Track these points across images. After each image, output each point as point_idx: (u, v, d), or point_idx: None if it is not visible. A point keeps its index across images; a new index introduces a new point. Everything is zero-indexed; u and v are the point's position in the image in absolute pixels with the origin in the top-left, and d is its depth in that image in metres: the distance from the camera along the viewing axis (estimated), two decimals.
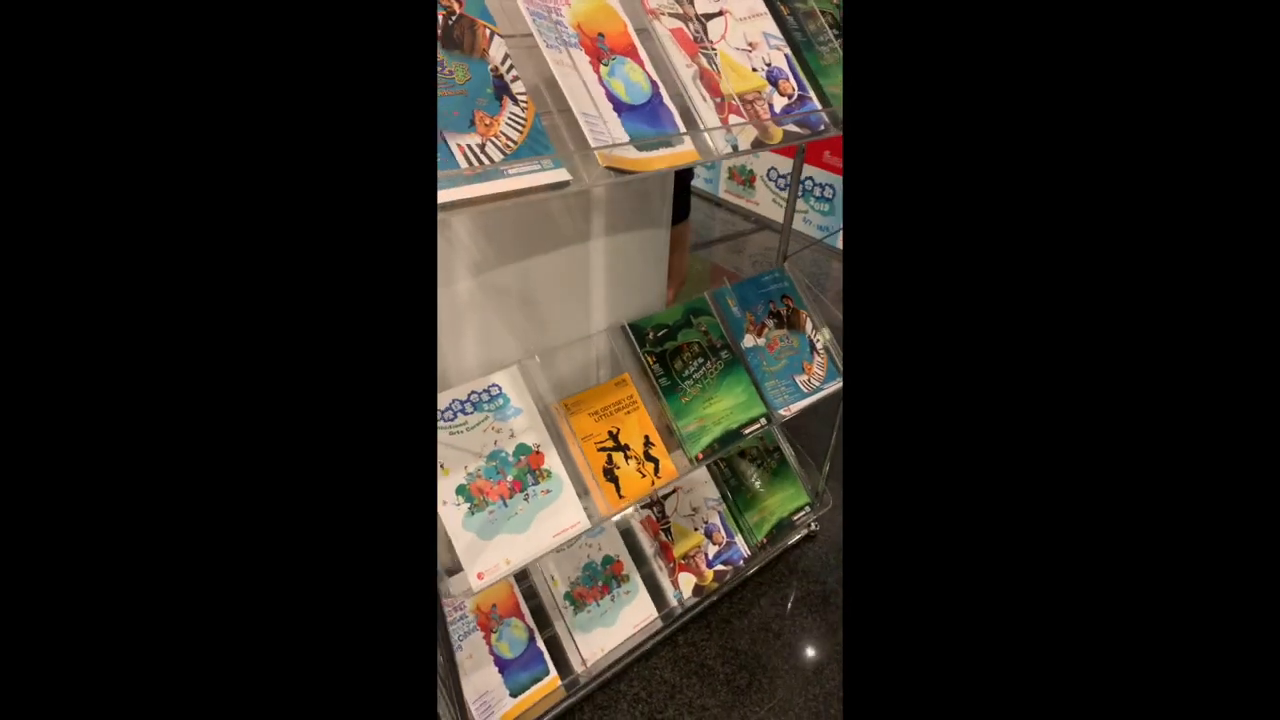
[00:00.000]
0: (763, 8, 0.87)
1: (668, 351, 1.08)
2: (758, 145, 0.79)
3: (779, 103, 0.82)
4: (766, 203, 3.07)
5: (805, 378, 1.18)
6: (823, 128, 0.84)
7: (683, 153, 0.73)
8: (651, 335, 1.08)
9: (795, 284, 1.25)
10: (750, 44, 0.84)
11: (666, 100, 0.74)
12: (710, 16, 0.82)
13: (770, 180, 3.02)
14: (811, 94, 0.85)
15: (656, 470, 0.99)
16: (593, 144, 0.63)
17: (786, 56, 0.85)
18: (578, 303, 1.03)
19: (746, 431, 1.08)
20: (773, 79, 0.83)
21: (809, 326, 1.23)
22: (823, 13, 0.92)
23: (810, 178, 2.85)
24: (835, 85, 0.88)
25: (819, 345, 1.22)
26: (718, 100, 0.77)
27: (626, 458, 0.98)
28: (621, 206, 1.00)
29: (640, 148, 0.69)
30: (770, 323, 1.20)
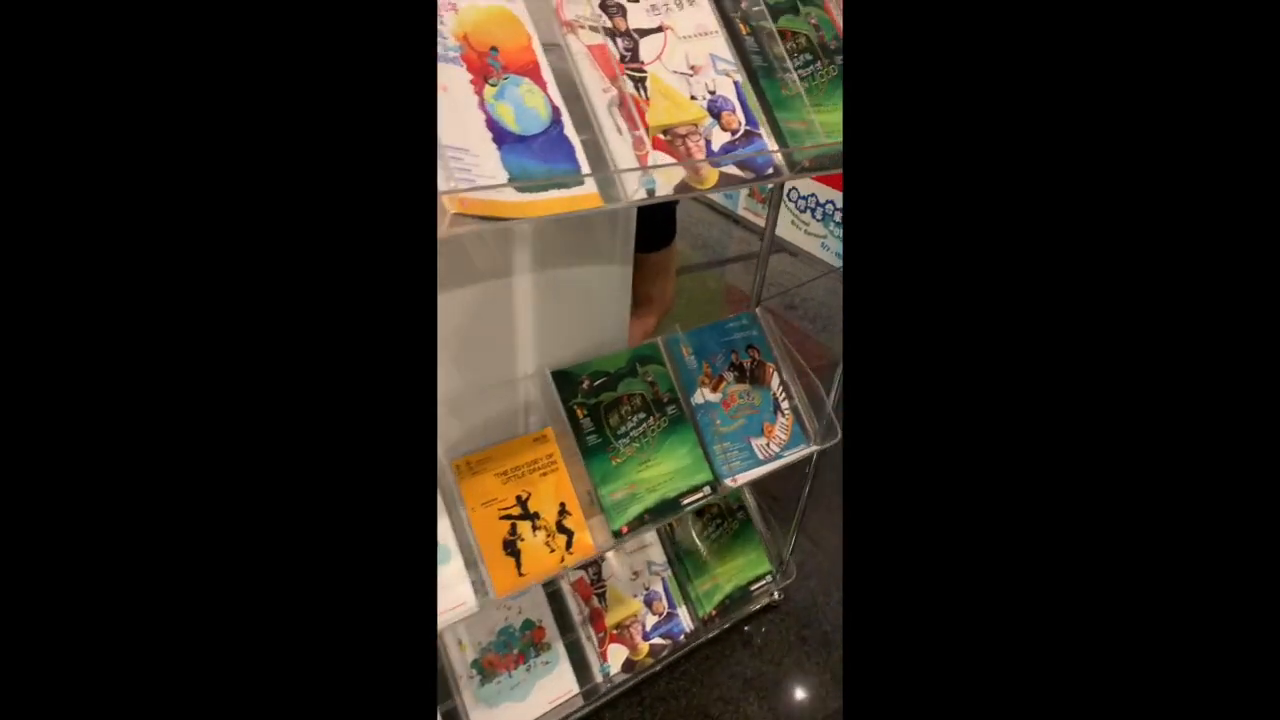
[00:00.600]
0: (715, 25, 0.74)
1: (604, 404, 0.96)
2: (683, 189, 0.66)
3: (719, 139, 0.70)
4: (785, 224, 2.91)
5: (764, 441, 1.05)
6: (771, 170, 0.71)
7: (580, 196, 0.60)
8: (586, 384, 0.95)
9: (766, 333, 1.12)
10: (693, 67, 0.71)
11: (569, 131, 0.62)
12: (645, 33, 0.69)
13: (791, 201, 2.87)
14: (762, 130, 0.72)
15: (569, 544, 0.87)
16: (442, 185, 0.51)
17: (736, 84, 0.72)
18: (500, 343, 0.92)
19: (686, 502, 0.96)
20: (715, 110, 0.70)
21: (775, 382, 1.09)
22: (794, 34, 0.79)
23: (831, 201, 2.70)
24: (796, 120, 0.75)
25: (785, 405, 1.09)
26: (636, 134, 0.64)
27: (534, 528, 0.86)
28: (555, 240, 0.89)
29: (523, 189, 0.57)
30: (730, 375, 1.07)
